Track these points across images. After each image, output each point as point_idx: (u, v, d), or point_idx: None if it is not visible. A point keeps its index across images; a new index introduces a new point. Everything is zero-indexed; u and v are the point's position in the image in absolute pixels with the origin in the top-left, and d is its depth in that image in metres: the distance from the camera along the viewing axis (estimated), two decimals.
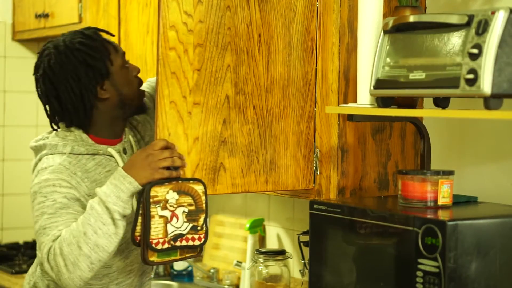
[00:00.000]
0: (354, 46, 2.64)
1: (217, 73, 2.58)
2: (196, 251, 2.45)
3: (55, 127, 2.59)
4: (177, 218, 2.39)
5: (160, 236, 2.37)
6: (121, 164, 2.55)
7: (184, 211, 2.40)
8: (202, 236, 2.43)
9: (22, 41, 4.74)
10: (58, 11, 4.31)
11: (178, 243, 2.39)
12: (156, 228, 2.36)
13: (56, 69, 2.53)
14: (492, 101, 2.10)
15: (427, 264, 2.16)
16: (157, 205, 2.36)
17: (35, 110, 4.77)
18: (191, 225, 2.41)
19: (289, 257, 3.25)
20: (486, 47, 2.07)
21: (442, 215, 2.26)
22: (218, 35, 2.58)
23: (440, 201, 2.34)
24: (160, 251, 2.37)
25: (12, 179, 4.72)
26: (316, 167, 2.72)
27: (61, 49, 2.54)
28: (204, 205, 2.43)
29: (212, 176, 2.58)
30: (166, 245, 2.38)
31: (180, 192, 2.40)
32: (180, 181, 2.40)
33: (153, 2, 3.55)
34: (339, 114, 2.67)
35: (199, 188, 2.43)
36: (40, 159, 2.52)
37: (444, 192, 2.35)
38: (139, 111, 2.66)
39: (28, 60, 4.77)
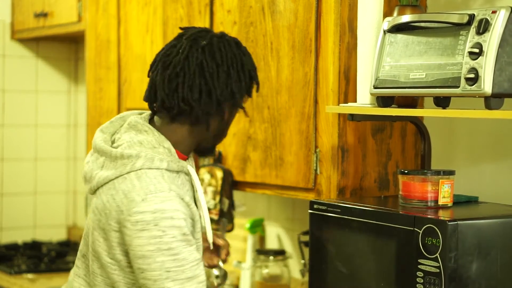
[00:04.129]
0: (354, 46, 2.63)
1: None
2: (219, 225, 3.07)
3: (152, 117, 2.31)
4: (207, 195, 3.09)
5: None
6: (196, 182, 2.31)
7: (212, 190, 3.08)
8: (217, 212, 3.07)
9: (21, 40, 4.74)
10: (57, 10, 4.30)
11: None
12: None
13: (225, 49, 2.24)
14: (493, 101, 2.09)
15: (427, 264, 2.16)
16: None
17: (34, 110, 4.76)
18: (214, 202, 3.06)
19: (289, 257, 3.25)
20: (487, 47, 2.07)
21: (443, 215, 2.25)
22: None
23: (441, 201, 2.34)
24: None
25: (11, 179, 4.71)
26: (316, 167, 2.72)
27: (232, 39, 2.28)
28: (219, 188, 3.04)
29: (243, 166, 3.02)
30: None
31: (211, 174, 3.08)
32: (212, 165, 3.08)
33: (153, 1, 3.55)
34: (339, 114, 2.66)
35: (219, 173, 3.04)
36: (134, 171, 2.17)
37: (445, 192, 2.34)
38: (203, 153, 2.41)
39: (27, 59, 4.77)
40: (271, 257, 3.25)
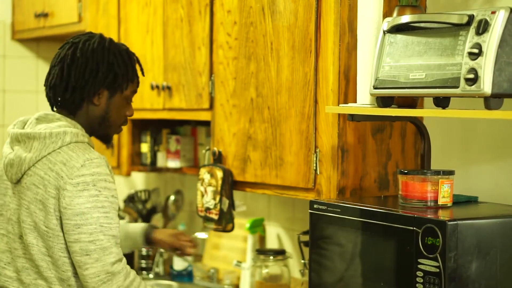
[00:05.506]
0: (354, 46, 2.64)
1: (245, 80, 3.00)
2: (221, 226, 3.10)
3: (54, 109, 2.64)
4: (207, 195, 3.11)
5: (200, 205, 3.16)
6: None
7: (212, 190, 3.09)
8: (217, 212, 3.07)
9: (22, 41, 4.74)
10: (58, 10, 4.31)
11: (207, 215, 3.12)
12: (198, 199, 3.16)
13: (87, 52, 2.60)
14: (492, 101, 2.10)
15: (427, 264, 2.16)
16: (199, 182, 3.16)
17: (34, 110, 4.76)
18: (214, 202, 3.07)
19: (289, 257, 3.25)
20: (486, 47, 2.07)
21: (442, 215, 2.26)
22: (245, 48, 3.00)
23: (440, 201, 2.34)
24: (202, 217, 3.16)
25: None
26: (316, 167, 2.73)
27: (105, 41, 2.64)
28: (219, 187, 3.05)
29: (243, 166, 3.03)
30: (202, 213, 3.15)
31: (211, 174, 3.10)
32: (212, 165, 3.10)
33: (153, 2, 3.55)
34: (339, 114, 2.67)
35: (219, 173, 3.06)
36: (66, 145, 2.49)
37: (444, 192, 2.35)
38: (104, 141, 2.72)
39: (27, 59, 4.77)
40: (271, 257, 3.25)
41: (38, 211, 2.48)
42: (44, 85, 2.65)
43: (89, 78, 2.58)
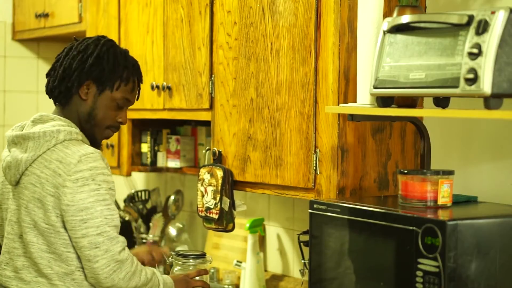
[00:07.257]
0: (354, 46, 2.64)
1: (245, 80, 3.02)
2: (223, 225, 3.09)
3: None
4: (207, 194, 3.11)
5: (200, 206, 3.15)
6: None
7: (212, 190, 3.09)
8: (217, 211, 3.07)
9: (22, 41, 4.75)
10: (58, 11, 4.31)
11: (208, 215, 3.11)
12: (199, 199, 3.16)
13: (81, 46, 2.66)
14: (492, 101, 2.10)
15: (427, 264, 2.16)
16: (199, 182, 3.15)
17: (35, 110, 4.77)
18: (214, 201, 3.08)
19: (209, 261, 3.02)
20: (486, 47, 2.07)
21: (442, 214, 2.26)
22: (245, 48, 3.02)
23: (440, 201, 2.34)
24: (202, 217, 3.15)
25: None
26: (316, 167, 2.73)
27: (104, 39, 2.70)
28: (219, 187, 3.05)
29: (243, 165, 3.04)
30: (202, 214, 3.14)
31: (211, 174, 3.11)
32: (212, 165, 3.11)
33: (153, 2, 3.56)
34: (339, 114, 2.67)
35: (219, 172, 3.08)
36: (60, 143, 2.54)
37: (444, 192, 2.35)
38: (92, 144, 2.70)
39: (28, 60, 4.78)
40: (191, 260, 3.00)
41: (37, 209, 2.53)
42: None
43: (76, 68, 2.62)
